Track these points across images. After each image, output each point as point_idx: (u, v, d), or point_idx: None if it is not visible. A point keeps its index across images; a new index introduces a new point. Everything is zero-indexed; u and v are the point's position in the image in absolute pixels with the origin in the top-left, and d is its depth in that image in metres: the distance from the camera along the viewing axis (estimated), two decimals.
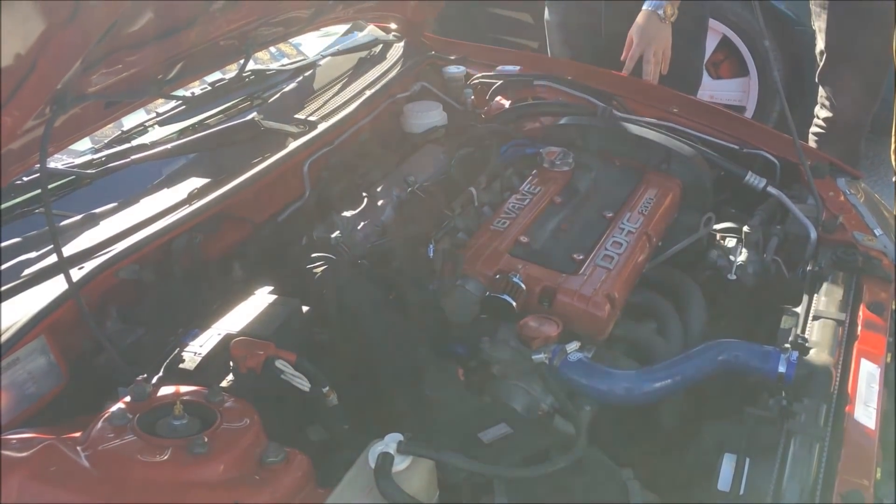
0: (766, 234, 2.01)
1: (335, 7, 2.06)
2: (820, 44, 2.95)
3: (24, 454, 1.16)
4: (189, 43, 1.66)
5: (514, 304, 1.59)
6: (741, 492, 1.35)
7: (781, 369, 1.52)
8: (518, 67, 2.55)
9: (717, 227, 2.06)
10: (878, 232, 2.03)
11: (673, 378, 1.53)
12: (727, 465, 1.40)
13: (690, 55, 2.89)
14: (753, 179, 2.10)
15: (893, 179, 2.69)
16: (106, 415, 1.23)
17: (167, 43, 1.58)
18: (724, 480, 1.38)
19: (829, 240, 1.98)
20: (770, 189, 2.09)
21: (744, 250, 1.97)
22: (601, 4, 2.78)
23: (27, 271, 1.49)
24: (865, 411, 1.50)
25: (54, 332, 1.42)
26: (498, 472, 1.27)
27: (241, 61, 1.82)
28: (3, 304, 1.42)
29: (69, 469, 1.15)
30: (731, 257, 1.95)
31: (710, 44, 4.12)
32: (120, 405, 1.25)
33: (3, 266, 1.53)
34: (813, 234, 1.96)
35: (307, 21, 1.91)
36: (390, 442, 1.24)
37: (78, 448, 1.18)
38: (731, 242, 2.01)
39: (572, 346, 1.51)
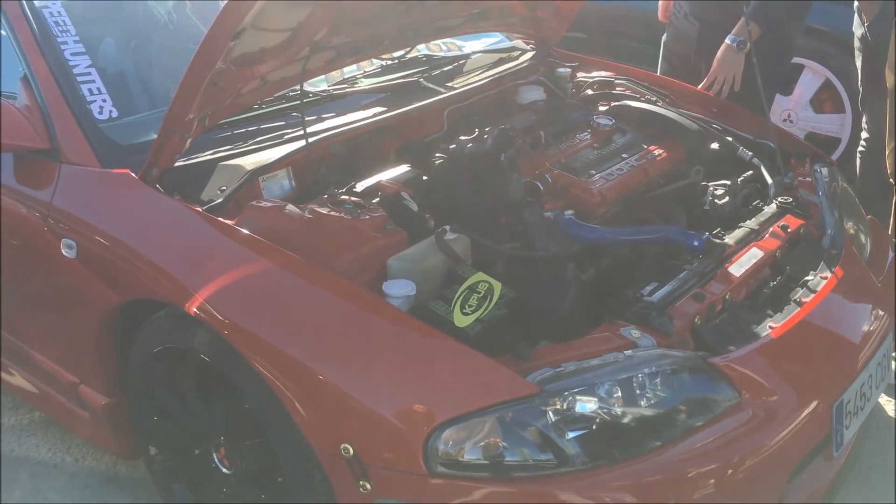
0: (744, 187, 2.99)
1: (476, 24, 3.30)
2: (859, 78, 3.80)
3: (276, 203, 2.45)
4: (386, 29, 2.95)
5: (542, 188, 2.71)
6: (645, 293, 2.38)
7: (695, 243, 2.52)
8: (609, 73, 3.67)
9: (717, 182, 3.06)
10: (821, 193, 2.96)
11: (628, 236, 2.58)
12: (649, 287, 2.43)
13: (766, 82, 3.85)
14: (743, 153, 3.09)
15: (891, 181, 3.49)
16: (316, 200, 2.50)
17: (376, 25, 2.88)
18: (644, 291, 2.41)
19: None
20: (754, 160, 3.06)
21: (726, 197, 2.96)
22: (694, 39, 3.85)
23: (286, 136, 2.83)
24: (738, 269, 2.48)
25: (295, 167, 2.71)
26: (499, 249, 2.43)
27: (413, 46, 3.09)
28: (271, 150, 2.75)
29: (296, 213, 2.41)
30: (713, 200, 2.95)
31: (815, 84, 4.99)
32: (322, 197, 2.51)
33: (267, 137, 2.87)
34: (773, 190, 2.93)
35: (455, 28, 3.17)
36: (447, 228, 2.42)
37: (301, 209, 2.46)
38: (720, 191, 3.01)
39: (568, 212, 2.60)
